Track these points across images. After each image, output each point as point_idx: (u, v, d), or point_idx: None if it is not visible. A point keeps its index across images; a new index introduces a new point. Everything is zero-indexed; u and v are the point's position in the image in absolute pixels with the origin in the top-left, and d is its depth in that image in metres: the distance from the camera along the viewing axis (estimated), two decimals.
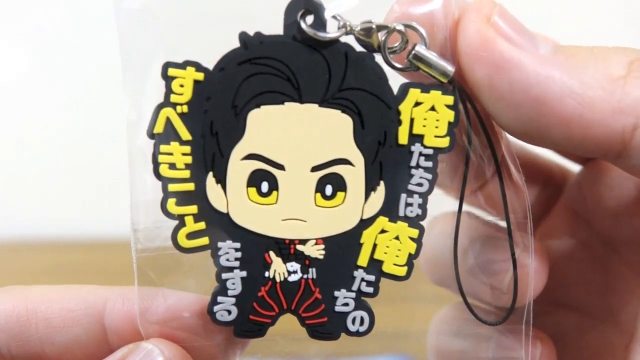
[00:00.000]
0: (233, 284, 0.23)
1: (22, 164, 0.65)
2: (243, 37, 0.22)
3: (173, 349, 0.22)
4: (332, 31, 0.22)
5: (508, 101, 0.20)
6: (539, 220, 0.28)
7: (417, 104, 0.22)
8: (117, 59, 0.21)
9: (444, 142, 0.23)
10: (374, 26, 0.22)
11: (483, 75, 0.21)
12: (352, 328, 0.23)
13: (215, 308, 0.23)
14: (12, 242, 0.61)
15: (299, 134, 0.22)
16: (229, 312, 0.23)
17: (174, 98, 0.22)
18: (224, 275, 0.22)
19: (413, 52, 0.22)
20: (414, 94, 0.22)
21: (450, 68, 0.22)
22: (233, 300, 0.23)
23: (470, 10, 0.21)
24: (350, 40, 0.22)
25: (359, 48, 0.22)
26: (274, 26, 0.22)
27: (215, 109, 0.22)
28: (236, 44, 0.22)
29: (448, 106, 0.22)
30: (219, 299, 0.23)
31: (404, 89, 0.22)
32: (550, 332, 0.26)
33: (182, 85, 0.22)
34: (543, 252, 0.24)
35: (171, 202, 0.22)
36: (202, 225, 0.22)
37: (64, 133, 0.64)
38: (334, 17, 0.22)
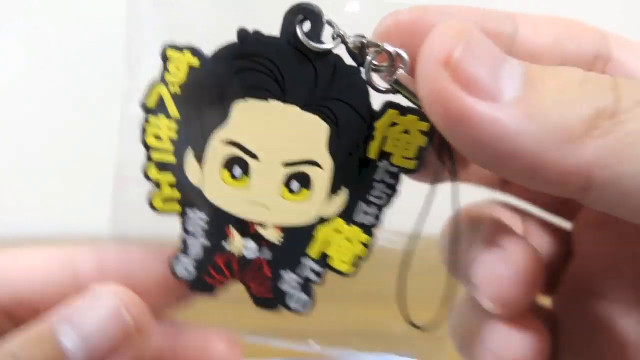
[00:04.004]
0: (195, 247, 0.25)
1: (21, 164, 0.64)
2: (241, 33, 0.23)
3: (125, 292, 0.24)
4: (326, 39, 0.23)
5: (465, 149, 0.21)
6: (578, 209, 0.28)
7: (393, 124, 0.24)
8: (117, 61, 0.22)
9: (411, 164, 0.24)
10: (365, 41, 0.23)
11: (440, 125, 0.21)
12: (292, 306, 0.26)
13: (177, 265, 0.25)
14: (11, 242, 0.60)
15: (277, 130, 0.24)
16: (187, 270, 0.25)
17: (168, 77, 0.23)
18: (188, 240, 0.25)
19: (394, 76, 0.23)
20: (392, 114, 0.24)
21: None
22: (193, 262, 0.25)
23: (428, 47, 0.20)
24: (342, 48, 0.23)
25: (349, 59, 0.23)
26: (275, 24, 0.23)
27: (204, 95, 0.23)
28: (235, 37, 0.23)
29: (422, 132, 0.24)
30: (181, 257, 0.25)
31: (384, 108, 0.24)
32: (579, 320, 0.26)
33: (177, 68, 0.23)
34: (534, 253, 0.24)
35: (151, 167, 0.24)
36: (176, 193, 0.25)
37: (64, 132, 0.62)
38: (329, 22, 0.23)
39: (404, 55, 0.23)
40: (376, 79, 0.24)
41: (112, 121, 0.24)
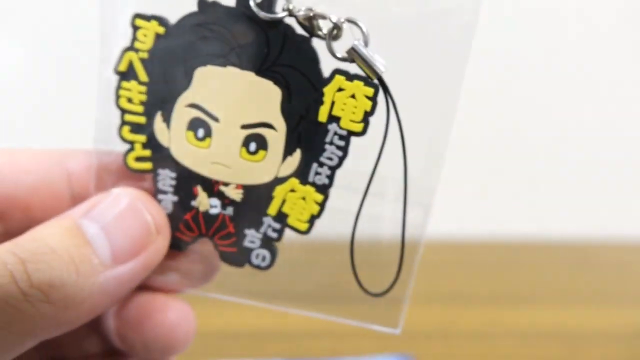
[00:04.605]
0: (166, 204, 0.27)
1: None
2: (201, 4, 0.25)
3: (143, 193, 0.26)
4: (279, 10, 0.25)
5: None
6: None
7: (340, 89, 0.25)
8: None
9: (358, 127, 0.26)
10: (311, 14, 0.25)
11: None
12: (255, 262, 0.28)
13: None
14: None
15: (235, 94, 0.26)
16: None
17: (137, 44, 0.26)
18: (159, 196, 0.27)
19: (352, 46, 0.25)
20: (339, 80, 0.25)
21: (382, 68, 0.25)
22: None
23: None
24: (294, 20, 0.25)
25: (299, 29, 0.25)
26: None
27: (169, 60, 0.26)
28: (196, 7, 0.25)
29: (367, 97, 0.25)
30: None
31: (332, 74, 0.25)
32: None
33: (145, 35, 0.26)
34: None
35: (125, 129, 0.27)
36: (148, 153, 0.27)
37: (65, 132, 0.64)
38: None
39: (362, 26, 0.25)
40: (336, 47, 0.25)
41: None
